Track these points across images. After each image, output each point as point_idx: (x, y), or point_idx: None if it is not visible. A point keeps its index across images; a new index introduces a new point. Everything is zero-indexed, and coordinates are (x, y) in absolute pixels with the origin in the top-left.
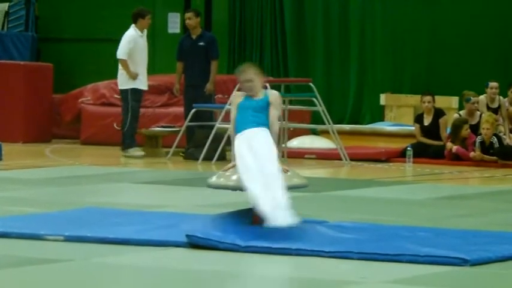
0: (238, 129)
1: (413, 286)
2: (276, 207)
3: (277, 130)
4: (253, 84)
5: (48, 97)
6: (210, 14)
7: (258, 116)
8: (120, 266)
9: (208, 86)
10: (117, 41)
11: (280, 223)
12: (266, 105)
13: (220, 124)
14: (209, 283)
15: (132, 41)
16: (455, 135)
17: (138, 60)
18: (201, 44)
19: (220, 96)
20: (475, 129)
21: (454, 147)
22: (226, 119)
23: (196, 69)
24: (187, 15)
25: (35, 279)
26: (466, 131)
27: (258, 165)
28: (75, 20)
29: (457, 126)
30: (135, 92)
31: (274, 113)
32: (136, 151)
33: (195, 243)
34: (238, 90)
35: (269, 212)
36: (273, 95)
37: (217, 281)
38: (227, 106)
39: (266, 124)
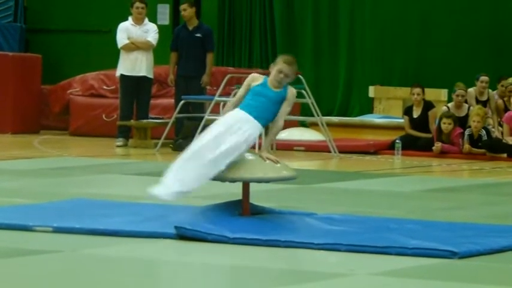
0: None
1: (402, 278)
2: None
3: (281, 126)
4: (287, 80)
5: (37, 88)
6: (199, 5)
7: (271, 106)
8: (109, 257)
9: (205, 79)
10: (106, 32)
11: (150, 192)
12: (282, 99)
13: (209, 116)
14: (197, 275)
15: (122, 31)
16: (441, 129)
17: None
18: (198, 35)
19: (209, 88)
20: (463, 121)
21: (438, 147)
22: (215, 110)
23: (191, 60)
24: (182, 6)
25: (23, 270)
26: (449, 125)
27: (210, 147)
28: (64, 10)
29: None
30: (120, 78)
31: (285, 109)
32: (117, 142)
33: (183, 235)
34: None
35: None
36: (292, 92)
37: (205, 273)
38: (216, 98)
39: (273, 116)
